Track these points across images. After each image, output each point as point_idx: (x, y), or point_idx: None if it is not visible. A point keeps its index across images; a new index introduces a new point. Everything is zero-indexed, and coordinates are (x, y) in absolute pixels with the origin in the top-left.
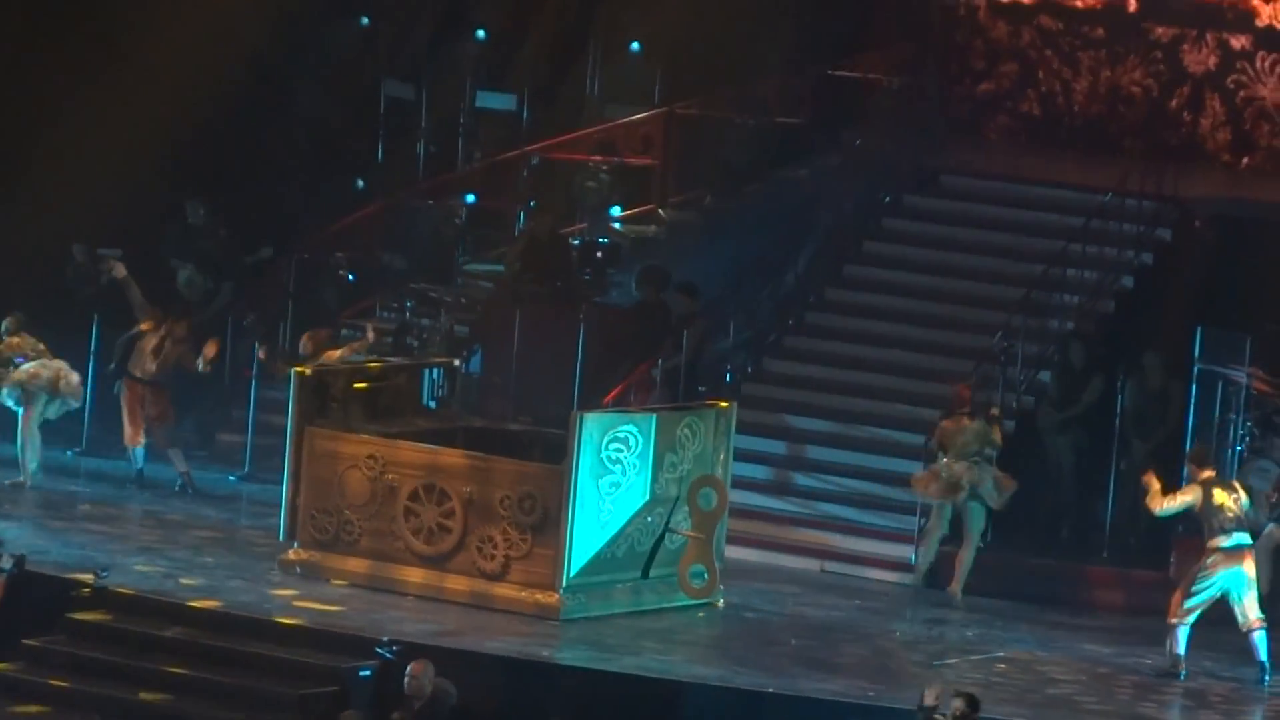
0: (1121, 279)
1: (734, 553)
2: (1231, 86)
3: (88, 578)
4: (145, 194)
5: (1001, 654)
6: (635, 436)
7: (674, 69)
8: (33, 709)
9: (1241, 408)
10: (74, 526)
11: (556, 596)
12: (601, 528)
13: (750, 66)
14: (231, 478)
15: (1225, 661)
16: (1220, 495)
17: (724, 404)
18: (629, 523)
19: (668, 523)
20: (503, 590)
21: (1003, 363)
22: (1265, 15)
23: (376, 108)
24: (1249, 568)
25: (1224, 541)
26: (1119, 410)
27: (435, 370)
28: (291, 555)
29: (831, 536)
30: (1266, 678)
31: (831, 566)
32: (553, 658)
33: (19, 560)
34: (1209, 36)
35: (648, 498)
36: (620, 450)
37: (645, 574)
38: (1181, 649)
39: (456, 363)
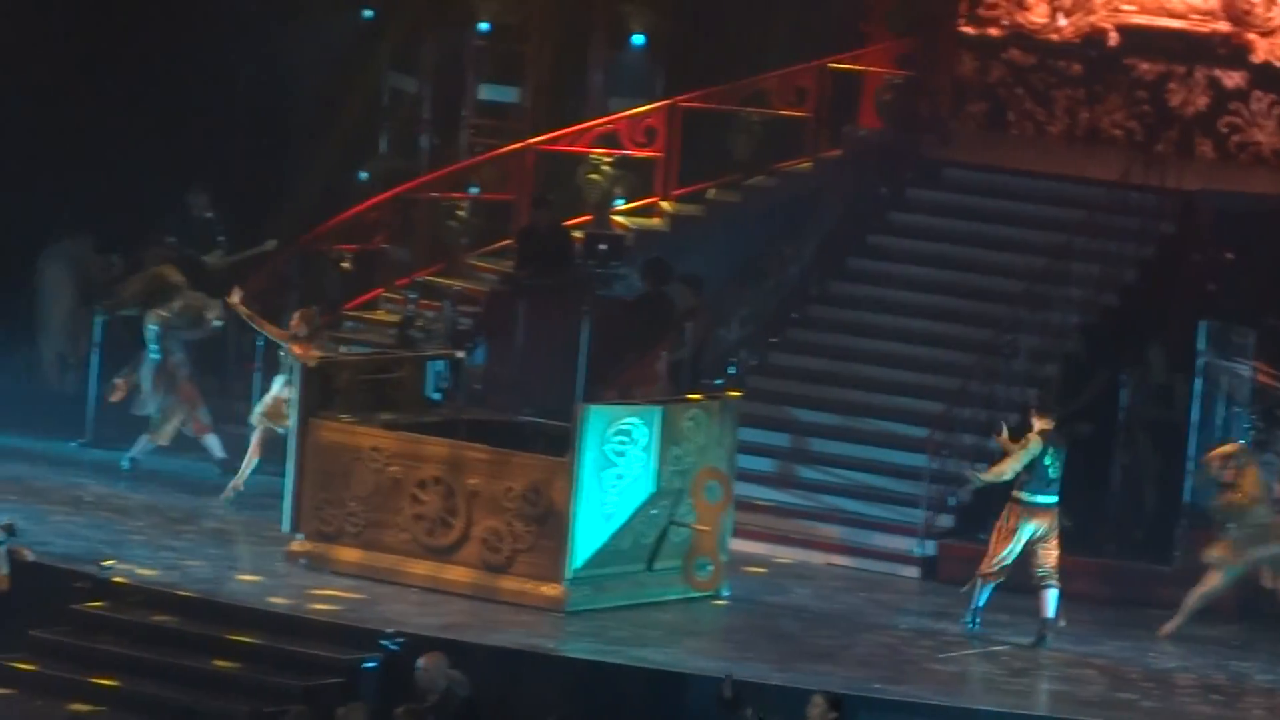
0: (1125, 272)
1: (738, 545)
2: (1224, 130)
3: (91, 569)
4: (147, 185)
5: (1005, 646)
6: (639, 429)
7: (677, 61)
8: (37, 702)
9: (1245, 401)
10: (78, 518)
11: (561, 589)
12: (606, 520)
13: (753, 59)
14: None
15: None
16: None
17: (729, 396)
18: (633, 515)
19: (672, 515)
20: (507, 583)
21: (1005, 356)
22: (1262, 50)
23: (379, 99)
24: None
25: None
26: (1122, 404)
27: (439, 362)
28: (296, 547)
29: (836, 529)
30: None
31: (835, 559)
32: (557, 650)
33: (8, 527)
34: (1199, 74)
35: (652, 490)
36: (624, 442)
37: (650, 566)
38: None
39: (460, 355)
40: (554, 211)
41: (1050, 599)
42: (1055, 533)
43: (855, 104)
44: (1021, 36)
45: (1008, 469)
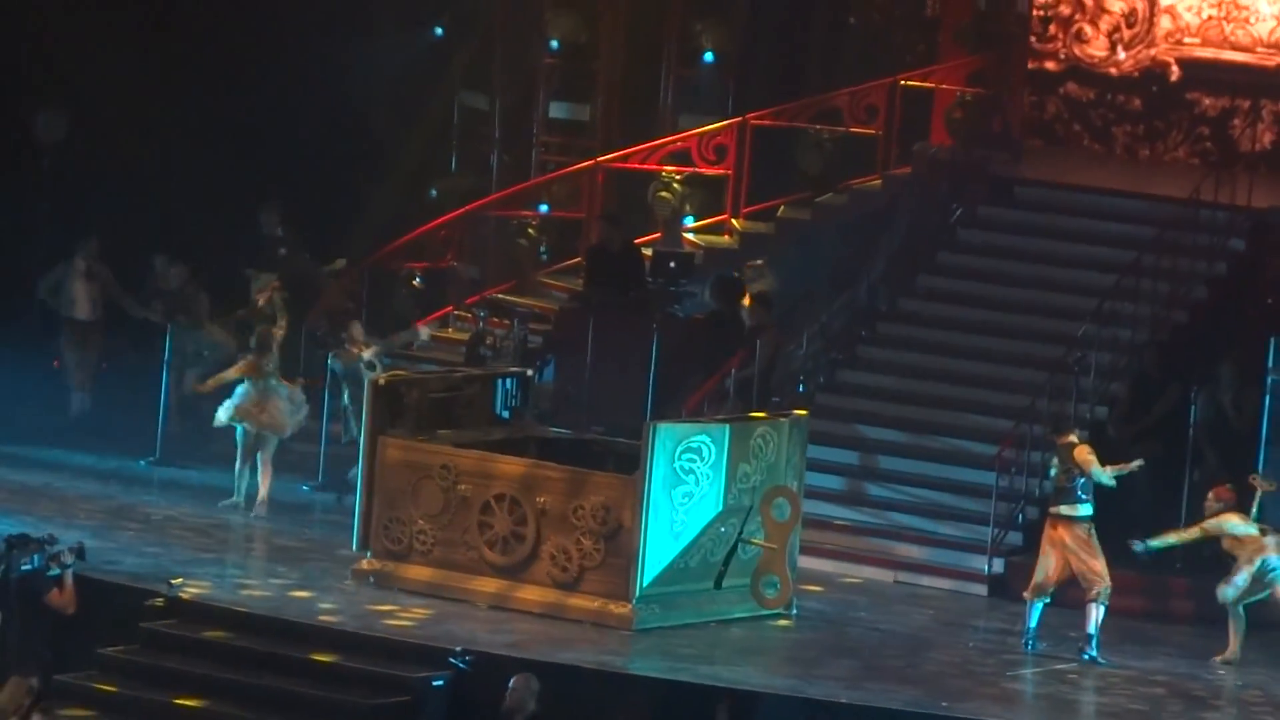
0: (1195, 289)
1: (807, 563)
2: None
3: (161, 588)
4: (219, 204)
5: (1074, 666)
6: (709, 446)
7: (747, 78)
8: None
9: None
10: (146, 536)
11: (630, 607)
12: (675, 538)
13: (824, 76)
14: (305, 487)
15: None
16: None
17: (798, 414)
18: (702, 533)
19: (741, 533)
20: (576, 600)
21: (1075, 373)
22: None
23: (451, 117)
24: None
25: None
26: (1192, 420)
27: (509, 380)
28: (364, 565)
29: (904, 547)
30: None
31: (904, 577)
32: (626, 668)
33: (79, 550)
34: (1264, 109)
35: (721, 508)
36: (694, 460)
37: (718, 584)
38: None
39: (530, 373)
40: (625, 230)
41: (1088, 613)
42: (1085, 546)
43: (926, 121)
44: (1079, 70)
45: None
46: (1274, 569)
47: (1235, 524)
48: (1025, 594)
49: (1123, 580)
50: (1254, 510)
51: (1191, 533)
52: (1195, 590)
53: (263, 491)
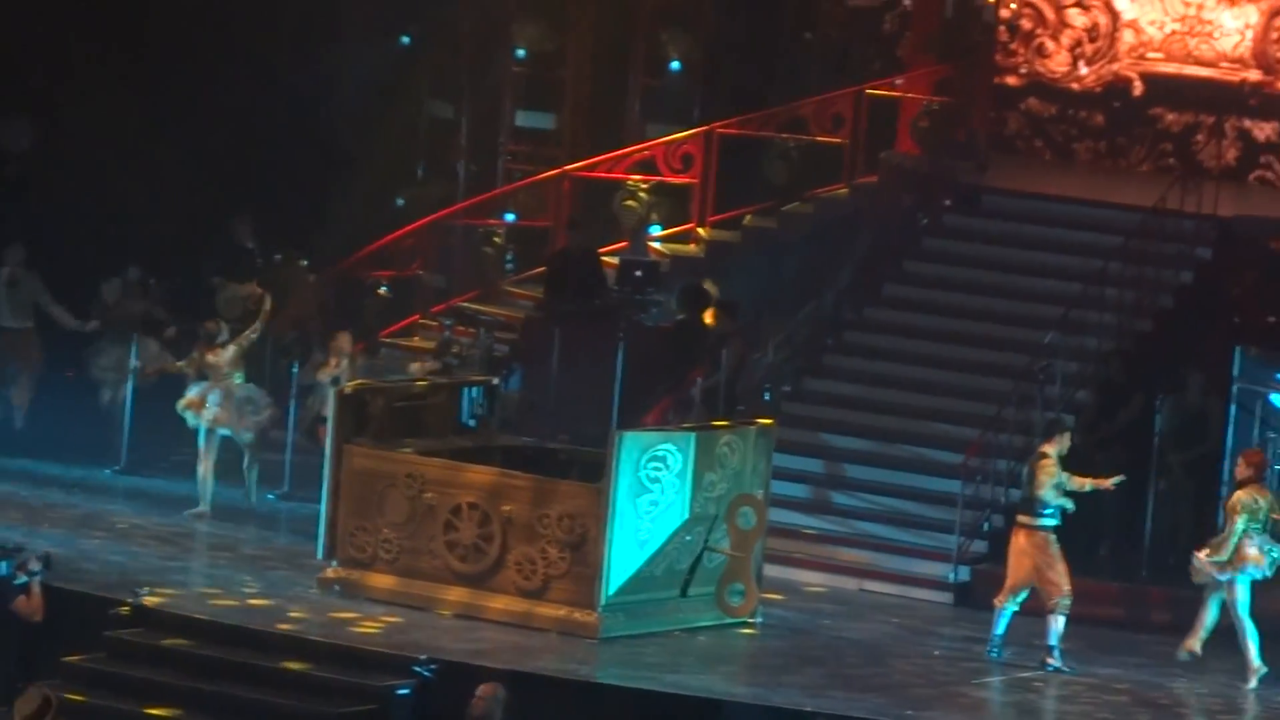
0: (1161, 298)
1: (772, 571)
2: (1255, 184)
3: (126, 596)
4: (186, 213)
5: (1040, 674)
6: (674, 455)
7: (714, 87)
8: None
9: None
10: (112, 545)
11: (595, 615)
12: (640, 546)
13: (790, 85)
14: (270, 495)
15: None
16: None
17: (763, 422)
18: (668, 541)
19: (706, 541)
20: (542, 609)
21: (1041, 382)
22: None
23: (418, 126)
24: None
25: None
26: (1157, 429)
27: (474, 389)
28: (330, 573)
29: (870, 555)
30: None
31: (869, 585)
32: (591, 676)
33: (46, 558)
34: (1228, 125)
35: (686, 516)
36: (659, 469)
37: (684, 593)
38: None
39: (495, 381)
40: (587, 234)
41: (1049, 624)
42: (1044, 555)
43: (892, 130)
44: (1041, 85)
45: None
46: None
47: (1237, 524)
48: (996, 600)
49: (1099, 590)
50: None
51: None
52: (1172, 600)
53: (253, 495)
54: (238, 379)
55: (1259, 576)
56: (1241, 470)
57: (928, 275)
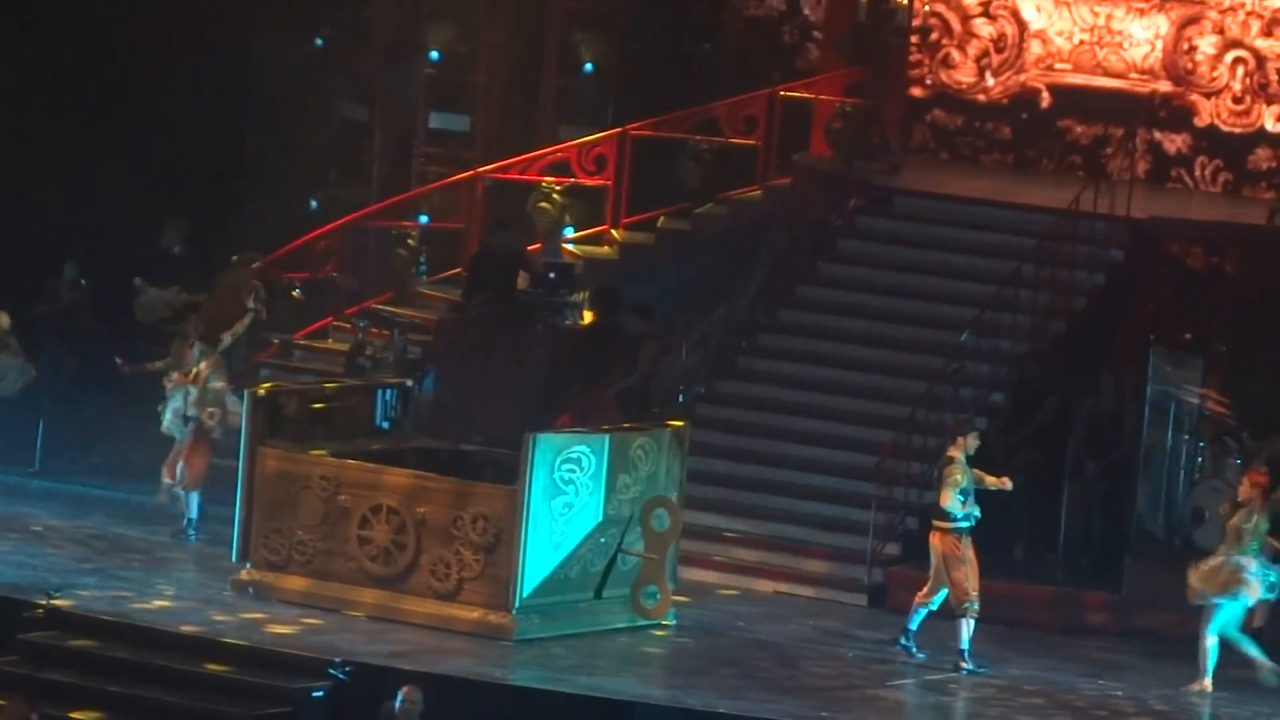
0: (1074, 300)
1: (687, 573)
2: (1168, 186)
3: (40, 599)
4: (104, 215)
5: (953, 676)
6: (588, 457)
7: (627, 89)
8: None
9: (1194, 428)
10: (25, 547)
11: (509, 617)
12: (554, 548)
13: (703, 87)
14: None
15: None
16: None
17: (677, 424)
18: (582, 543)
19: (620, 543)
20: (456, 611)
21: (955, 383)
22: (1206, 113)
23: (331, 128)
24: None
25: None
26: (1072, 431)
27: (388, 391)
28: (244, 576)
29: (784, 557)
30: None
31: (784, 587)
32: (506, 678)
33: None
34: (1139, 137)
35: (601, 518)
36: (573, 471)
37: (598, 594)
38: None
39: (409, 383)
40: (512, 235)
41: (958, 628)
42: (954, 557)
43: (806, 132)
44: (946, 96)
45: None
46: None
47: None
48: (917, 597)
49: (1013, 592)
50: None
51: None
52: (1085, 602)
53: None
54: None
55: (1251, 603)
56: (1245, 490)
57: (841, 277)
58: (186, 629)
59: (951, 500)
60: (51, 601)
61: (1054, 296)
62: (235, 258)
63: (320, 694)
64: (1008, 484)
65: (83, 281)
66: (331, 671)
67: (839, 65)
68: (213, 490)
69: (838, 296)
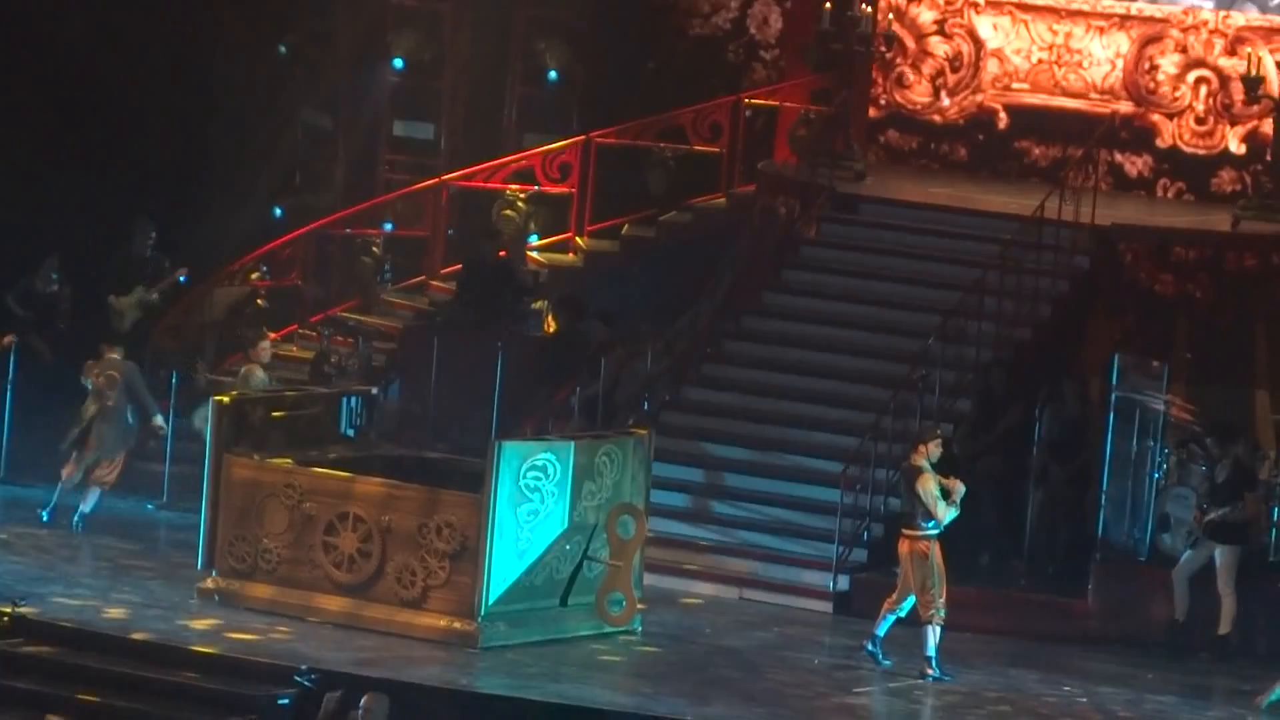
0: (1039, 307)
1: (652, 580)
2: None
3: (5, 606)
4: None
5: (920, 683)
6: (554, 464)
7: (591, 97)
8: None
9: (1159, 435)
10: None
11: (475, 624)
12: (520, 556)
13: (668, 94)
14: (149, 506)
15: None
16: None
17: (642, 432)
18: (547, 550)
19: (586, 550)
20: (422, 618)
21: (920, 391)
22: (1168, 134)
23: (295, 135)
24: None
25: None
26: (1037, 438)
27: (353, 399)
28: (210, 583)
29: (750, 564)
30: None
31: (749, 594)
32: (472, 685)
33: None
34: (1099, 159)
35: (566, 526)
36: (539, 478)
37: (564, 602)
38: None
39: (374, 391)
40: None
41: (924, 635)
42: (922, 565)
43: (770, 139)
44: (900, 117)
45: None
46: None
47: None
48: (885, 603)
49: (979, 598)
50: None
51: None
52: (1051, 608)
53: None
54: None
55: None
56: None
57: (806, 284)
58: (152, 636)
59: (946, 511)
60: (17, 609)
61: (1019, 303)
62: None
63: (286, 701)
64: (960, 486)
65: (54, 276)
66: (298, 679)
67: (803, 73)
68: (180, 498)
69: (803, 303)
